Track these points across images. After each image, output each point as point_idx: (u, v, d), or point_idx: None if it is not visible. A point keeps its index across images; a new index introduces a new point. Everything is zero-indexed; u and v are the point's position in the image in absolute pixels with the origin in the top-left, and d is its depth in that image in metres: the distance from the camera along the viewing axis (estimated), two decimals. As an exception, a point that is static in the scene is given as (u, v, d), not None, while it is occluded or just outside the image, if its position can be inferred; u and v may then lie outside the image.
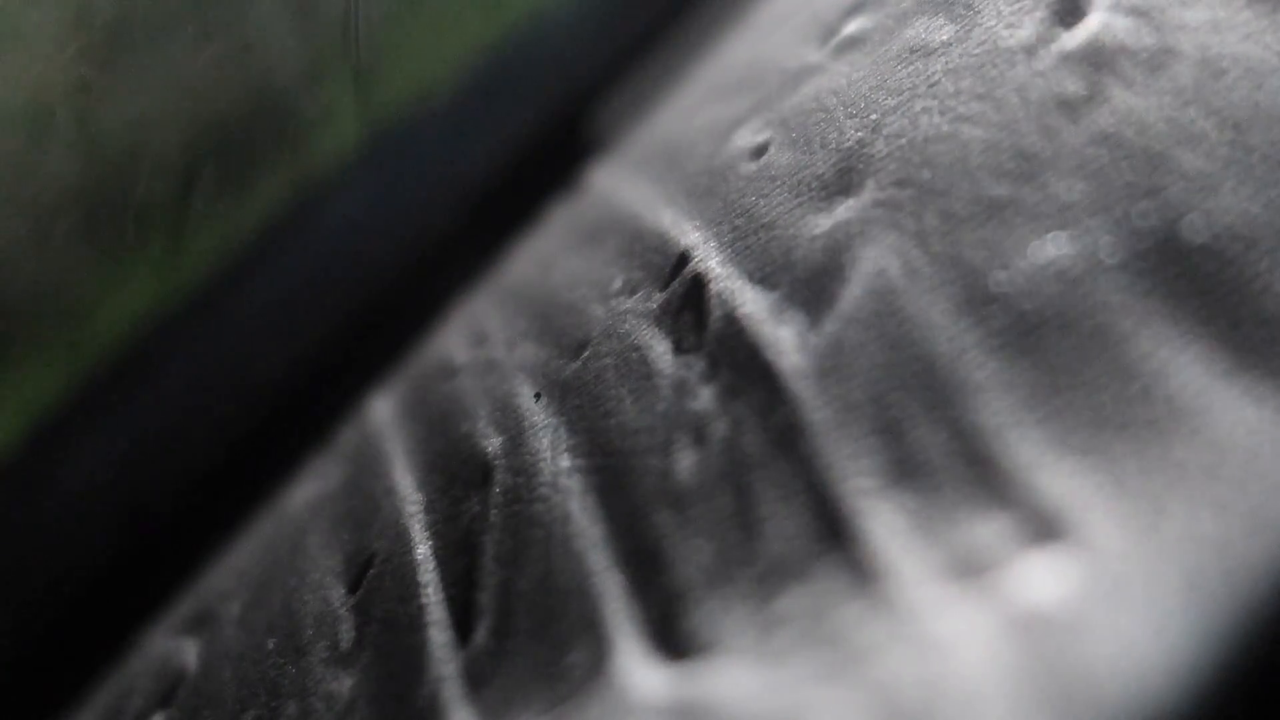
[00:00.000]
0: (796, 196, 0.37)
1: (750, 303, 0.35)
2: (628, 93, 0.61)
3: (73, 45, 0.50)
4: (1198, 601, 0.25)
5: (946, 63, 0.36)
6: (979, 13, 0.37)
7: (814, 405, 0.32)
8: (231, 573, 0.46)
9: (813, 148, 0.38)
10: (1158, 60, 0.32)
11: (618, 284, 0.40)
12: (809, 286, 0.34)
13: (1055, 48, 0.35)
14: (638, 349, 0.37)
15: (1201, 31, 0.32)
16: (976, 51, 0.36)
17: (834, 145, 0.37)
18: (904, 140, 0.35)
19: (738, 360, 0.34)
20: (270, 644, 0.41)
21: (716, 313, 0.36)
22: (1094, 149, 0.32)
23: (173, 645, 0.45)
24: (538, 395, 0.39)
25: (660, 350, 0.37)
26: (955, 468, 0.29)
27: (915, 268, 0.32)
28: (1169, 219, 0.30)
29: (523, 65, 0.62)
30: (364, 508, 0.42)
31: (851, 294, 0.33)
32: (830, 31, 0.42)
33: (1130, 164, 0.31)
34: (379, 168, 0.58)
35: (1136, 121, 0.32)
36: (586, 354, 0.39)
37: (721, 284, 0.36)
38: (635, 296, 0.39)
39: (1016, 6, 0.36)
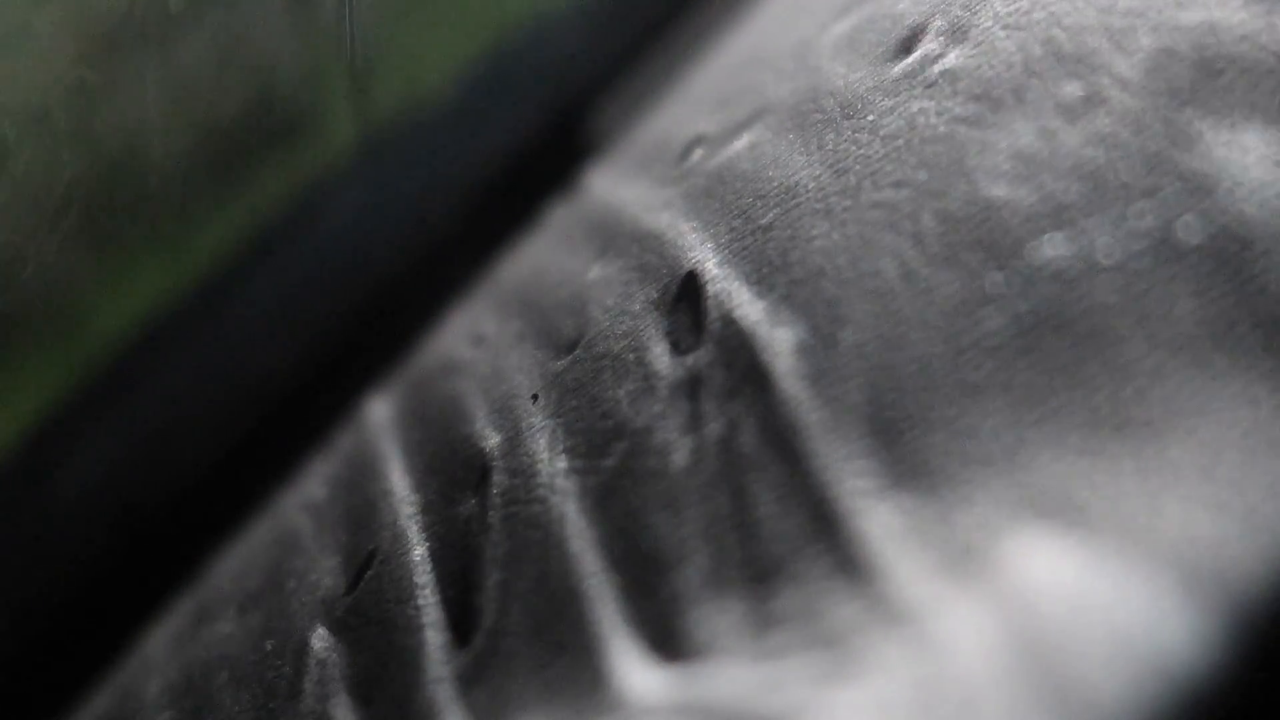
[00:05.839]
0: (794, 198, 0.37)
1: (747, 304, 0.35)
2: (626, 94, 0.61)
3: (73, 45, 0.50)
4: (1194, 602, 0.25)
5: (942, 65, 0.36)
6: (976, 13, 0.37)
7: (810, 406, 0.32)
8: (229, 574, 0.46)
9: (809, 149, 0.38)
10: (1155, 61, 0.32)
11: (615, 285, 0.40)
12: (806, 288, 0.34)
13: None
14: (635, 350, 0.37)
15: (1198, 32, 0.32)
16: (973, 53, 0.36)
17: (830, 146, 0.37)
18: (900, 141, 0.35)
19: (735, 361, 0.34)
20: (268, 645, 0.41)
21: (714, 314, 0.36)
22: (1091, 150, 0.32)
23: (171, 647, 0.45)
24: (535, 396, 0.39)
25: (657, 351, 0.37)
26: (951, 468, 0.29)
27: (912, 269, 0.33)
28: (1165, 220, 0.30)
29: (520, 66, 0.62)
30: (361, 508, 0.42)
31: (848, 295, 0.33)
32: (827, 33, 0.42)
33: (1127, 165, 0.31)
34: (375, 169, 0.58)
35: (1133, 122, 0.32)
36: (583, 355, 0.39)
37: (719, 285, 0.36)
38: (632, 298, 0.39)
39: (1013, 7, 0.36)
